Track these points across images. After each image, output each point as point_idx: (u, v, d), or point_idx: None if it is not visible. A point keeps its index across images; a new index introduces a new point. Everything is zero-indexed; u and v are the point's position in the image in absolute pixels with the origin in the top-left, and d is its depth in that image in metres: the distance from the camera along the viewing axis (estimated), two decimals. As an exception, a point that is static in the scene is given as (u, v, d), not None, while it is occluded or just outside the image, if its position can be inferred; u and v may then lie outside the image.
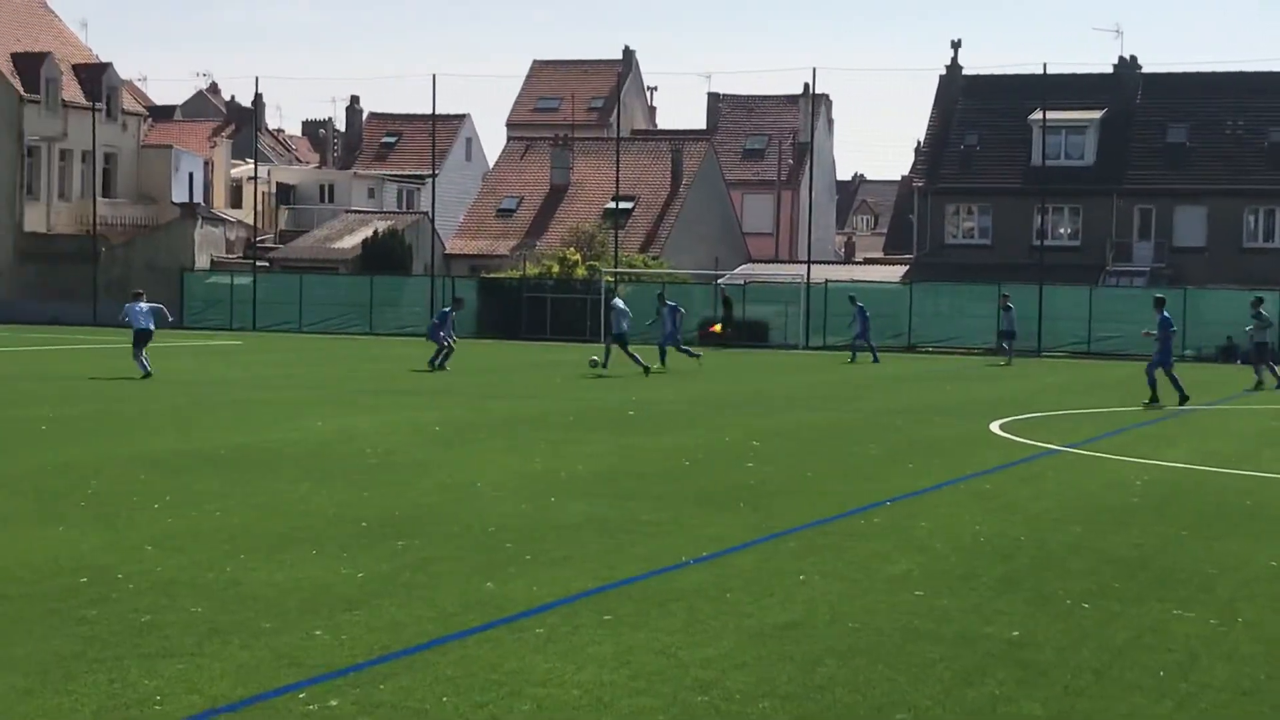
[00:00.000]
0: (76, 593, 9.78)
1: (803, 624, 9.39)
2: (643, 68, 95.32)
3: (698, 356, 38.96)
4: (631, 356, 35.25)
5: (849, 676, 8.21)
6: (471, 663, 8.27)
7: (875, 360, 44.21)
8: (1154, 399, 27.98)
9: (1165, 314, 28.67)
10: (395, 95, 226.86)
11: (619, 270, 60.12)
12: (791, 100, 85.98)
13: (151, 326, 31.75)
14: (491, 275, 62.89)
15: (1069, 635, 9.28)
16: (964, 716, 7.61)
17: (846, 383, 34.84)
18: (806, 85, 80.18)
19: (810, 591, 10.36)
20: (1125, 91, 68.23)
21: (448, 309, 37.26)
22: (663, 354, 37.88)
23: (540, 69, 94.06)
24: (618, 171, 65.40)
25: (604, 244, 64.83)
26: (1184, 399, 27.69)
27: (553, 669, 8.18)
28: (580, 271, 60.81)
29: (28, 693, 7.51)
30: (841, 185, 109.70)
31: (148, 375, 29.97)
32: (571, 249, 63.43)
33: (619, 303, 37.36)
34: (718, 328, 52.28)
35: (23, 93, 67.08)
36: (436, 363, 35.20)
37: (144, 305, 32.07)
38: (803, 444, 20.34)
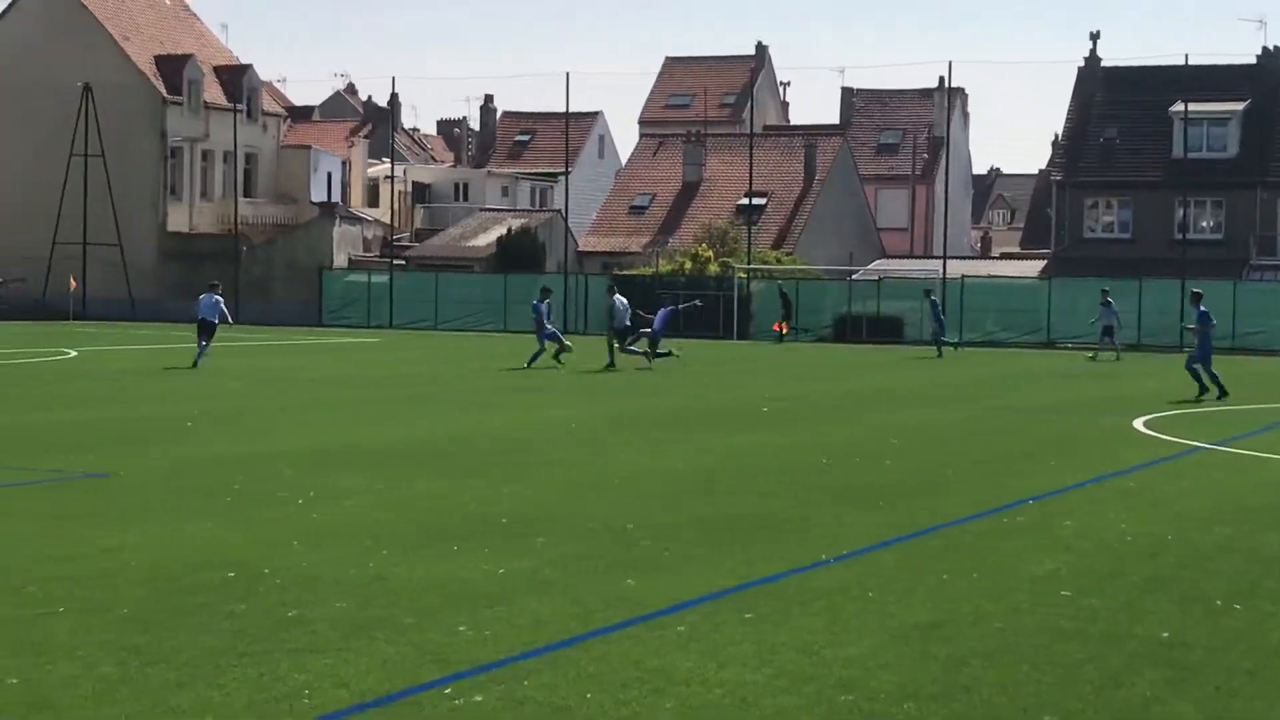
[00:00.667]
0: (225, 587, 9.92)
1: (946, 623, 9.29)
2: (775, 63, 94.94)
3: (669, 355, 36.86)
4: (630, 352, 35.48)
5: (995, 677, 8.10)
6: (613, 659, 8.27)
7: (939, 355, 43.93)
8: (1211, 391, 27.58)
9: (1202, 308, 28.34)
10: (529, 94, 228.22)
11: (752, 267, 60.00)
12: (926, 94, 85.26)
13: (215, 320, 33.27)
14: (623, 272, 63.04)
15: (1220, 636, 9.09)
16: (1114, 718, 7.47)
17: (985, 379, 34.47)
18: (942, 79, 79.47)
19: (953, 590, 10.25)
20: (1268, 83, 66.81)
21: (538, 301, 36.71)
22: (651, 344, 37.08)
23: (673, 66, 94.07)
24: (750, 168, 65.23)
25: (736, 240, 64.69)
26: (1223, 394, 27.34)
27: (695, 667, 8.16)
28: (713, 268, 60.77)
29: (180, 685, 7.62)
30: (977, 179, 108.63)
31: (194, 366, 31.54)
32: (704, 246, 63.37)
33: (620, 300, 36.28)
34: (782, 325, 52.53)
35: (166, 95, 68.34)
36: (536, 360, 34.74)
37: (213, 298, 33.36)
38: (942, 441, 20.14)
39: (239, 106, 70.41)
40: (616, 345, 35.46)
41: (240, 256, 66.03)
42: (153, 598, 9.57)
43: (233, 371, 31.96)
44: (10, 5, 70.55)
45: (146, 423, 20.84)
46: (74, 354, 37.47)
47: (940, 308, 45.43)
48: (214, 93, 71.13)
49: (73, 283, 62.37)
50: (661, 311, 37.51)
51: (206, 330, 33.05)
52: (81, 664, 7.96)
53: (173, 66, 69.44)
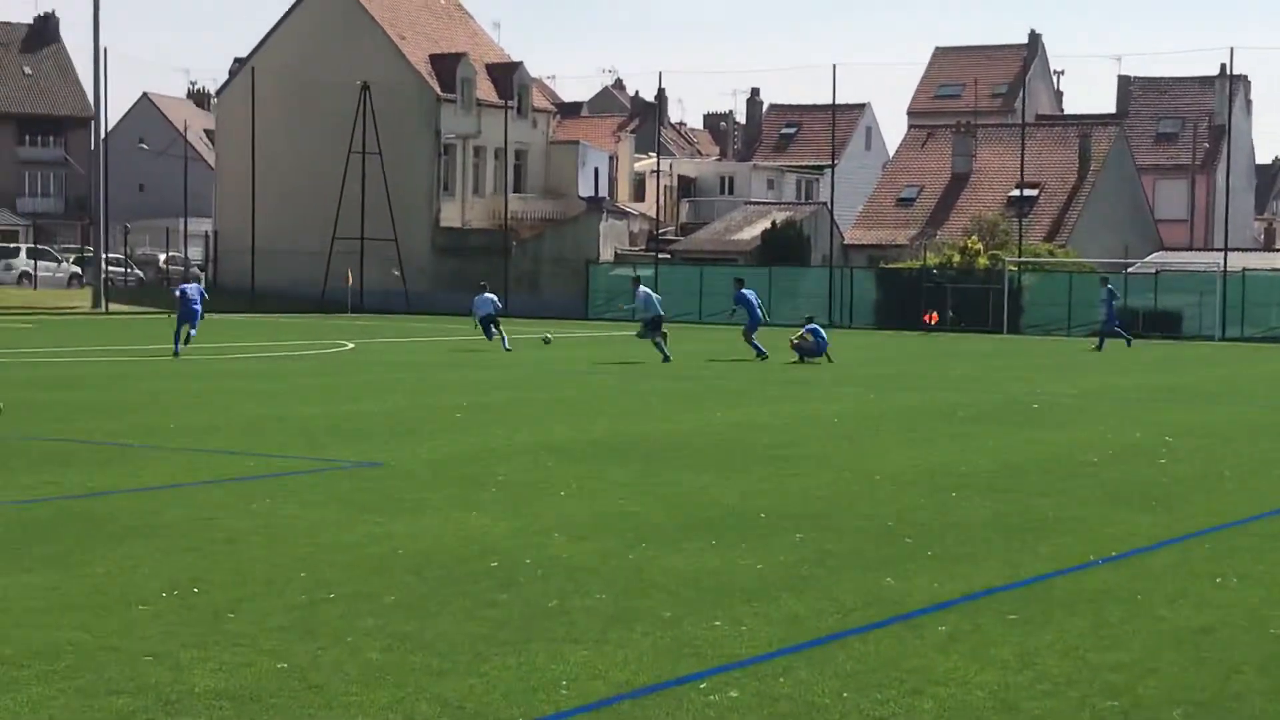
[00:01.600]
0: (488, 576, 10.09)
1: (1219, 629, 8.97)
2: (1049, 51, 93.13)
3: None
4: (658, 345, 33.85)
5: (1269, 686, 7.80)
6: (871, 659, 8.18)
7: (1098, 347, 42.63)
8: None
9: None
10: (795, 86, 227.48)
11: (1023, 260, 58.90)
12: (1207, 82, 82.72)
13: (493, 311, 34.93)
14: (890, 265, 62.47)
15: None
16: (1399, 735, 7.12)
17: (1268, 377, 33.26)
18: (1223, 66, 77.05)
19: (1227, 595, 9.89)
20: None
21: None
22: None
23: (942, 55, 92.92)
24: (1022, 158, 63.99)
25: (1007, 233, 63.55)
26: None
27: (955, 668, 8.02)
28: (982, 261, 59.81)
29: (441, 673, 7.77)
30: (1261, 169, 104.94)
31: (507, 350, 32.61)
32: (973, 238, 62.41)
33: (645, 290, 35.57)
34: (933, 316, 52.03)
35: (440, 93, 69.93)
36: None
37: (486, 295, 34.75)
38: (1219, 441, 19.48)
39: (510, 103, 71.67)
40: (654, 340, 34.25)
41: (510, 251, 67.21)
42: (419, 585, 9.78)
43: (503, 363, 32.53)
44: (293, 6, 72.94)
45: (419, 413, 21.34)
46: (351, 346, 38.58)
47: (1113, 299, 43.71)
48: (486, 90, 72.55)
49: (349, 276, 64.25)
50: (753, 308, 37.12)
51: (491, 323, 36.34)
52: (349, 649, 8.17)
53: (447, 65, 71.02)
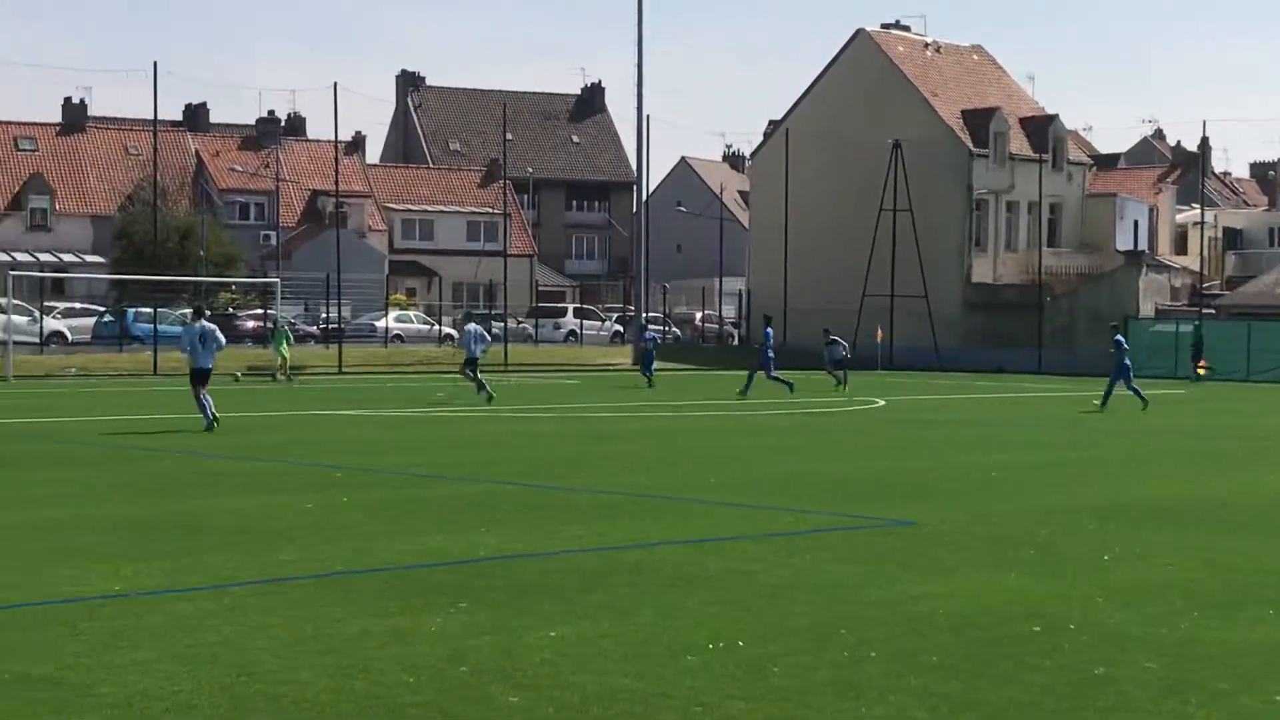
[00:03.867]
0: (1030, 640, 9.87)
1: None
2: None
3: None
4: (475, 380, 35.44)
5: None
6: None
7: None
8: None
9: None
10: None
11: None
12: None
13: (209, 365, 26.83)
14: None
15: None
16: None
17: None
18: None
19: None
20: None
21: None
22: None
23: None
24: None
25: None
26: None
27: None
28: None
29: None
30: None
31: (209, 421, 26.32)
32: None
33: (473, 326, 36.68)
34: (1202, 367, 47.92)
35: (972, 148, 69.58)
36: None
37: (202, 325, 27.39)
38: None
39: (1044, 157, 70.58)
40: (468, 375, 36.30)
41: (1043, 306, 66.03)
42: (961, 646, 9.67)
43: (1034, 420, 31.93)
44: (826, 68, 74.18)
45: (950, 472, 21.17)
46: (881, 403, 38.68)
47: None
48: (1019, 144, 71.73)
49: (879, 333, 64.49)
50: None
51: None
52: (894, 708, 8.14)
53: (979, 120, 70.64)
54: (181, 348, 30.39)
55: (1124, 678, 8.88)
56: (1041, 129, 72.42)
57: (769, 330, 41.60)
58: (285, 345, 47.92)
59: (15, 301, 53.67)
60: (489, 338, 38.50)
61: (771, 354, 40.74)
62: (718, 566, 12.58)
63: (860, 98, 71.68)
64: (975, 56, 77.82)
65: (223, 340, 27.17)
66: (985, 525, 15.41)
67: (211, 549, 13.09)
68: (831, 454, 24.07)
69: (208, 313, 28.33)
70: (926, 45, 75.92)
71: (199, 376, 26.36)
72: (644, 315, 65.48)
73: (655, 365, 47.30)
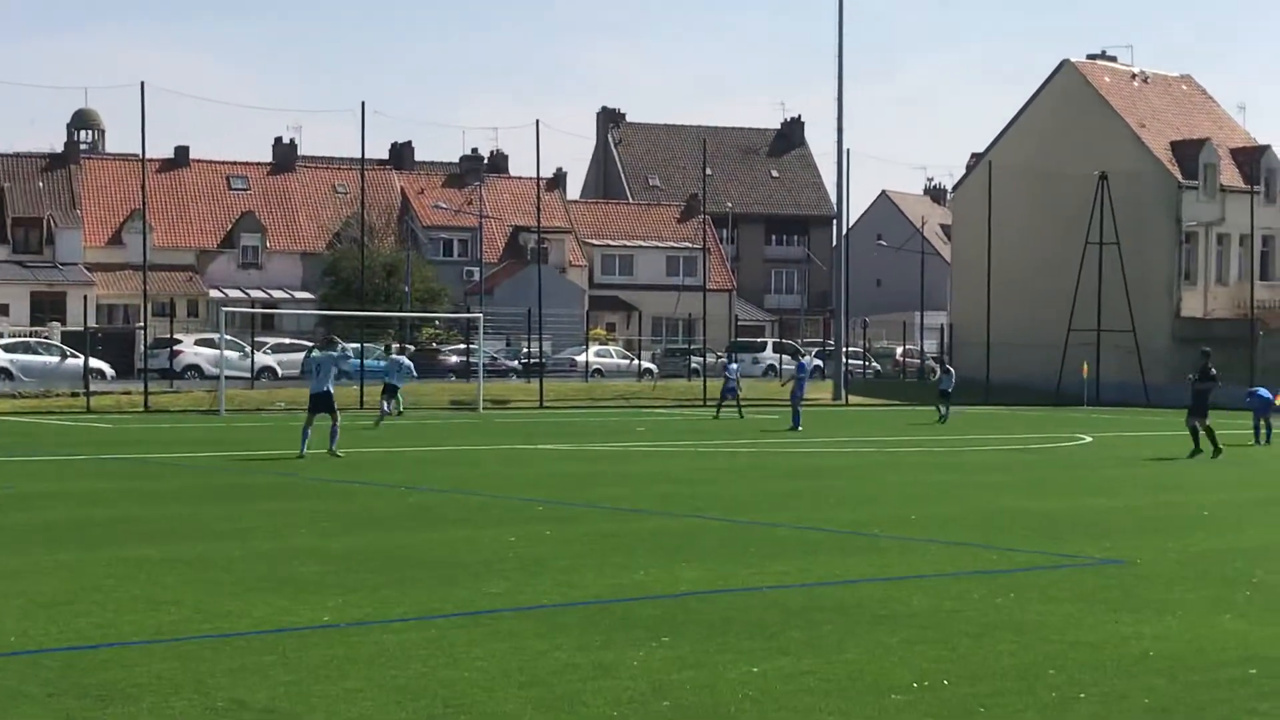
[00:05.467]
0: (1246, 684, 9.60)
1: None
2: None
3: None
4: (382, 409, 36.83)
5: None
6: None
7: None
8: None
9: None
10: None
11: None
12: None
13: (327, 388, 27.70)
14: None
15: None
16: None
17: None
18: None
19: None
20: None
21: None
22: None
23: None
24: None
25: None
26: None
27: None
28: None
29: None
30: None
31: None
32: None
33: (401, 359, 39.26)
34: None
35: (1181, 179, 68.14)
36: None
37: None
38: None
39: (1256, 188, 68.84)
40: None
41: (1256, 340, 64.29)
42: (1173, 689, 9.43)
43: (1250, 459, 31.11)
44: (1030, 100, 73.26)
45: (1162, 510, 20.70)
46: (1088, 439, 37.96)
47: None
48: (1230, 175, 70.08)
49: (1085, 368, 63.31)
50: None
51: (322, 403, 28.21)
52: (1103, 752, 7.97)
53: (1188, 151, 69.17)
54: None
55: (1347, 725, 8.59)
56: (1253, 160, 70.64)
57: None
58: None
59: (227, 337, 55.13)
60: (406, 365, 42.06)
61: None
62: (922, 604, 12.44)
63: (1066, 129, 70.64)
64: (1184, 86, 76.23)
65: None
66: (1198, 565, 15.02)
67: (417, 581, 13.29)
68: (1037, 491, 23.68)
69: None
70: (1134, 75, 74.58)
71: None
72: (843, 349, 65.09)
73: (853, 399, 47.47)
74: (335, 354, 28.54)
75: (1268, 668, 10.08)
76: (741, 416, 45.18)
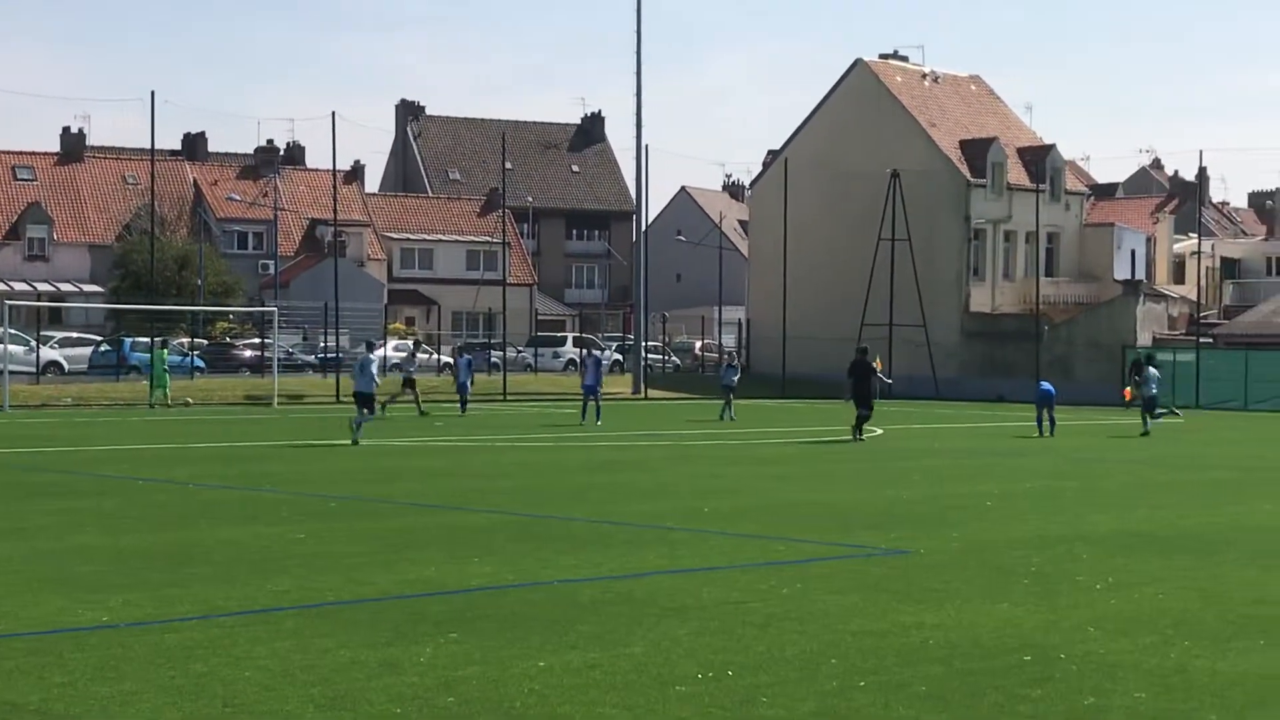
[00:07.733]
0: (1020, 670, 9.86)
1: None
2: None
3: None
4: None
5: None
6: None
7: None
8: None
9: None
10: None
11: None
12: None
13: (370, 389, 32.58)
14: None
15: None
16: None
17: None
18: None
19: None
20: None
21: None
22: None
23: None
24: None
25: None
26: None
27: None
28: None
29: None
30: None
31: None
32: None
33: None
34: (1128, 392, 46.42)
35: (970, 178, 69.69)
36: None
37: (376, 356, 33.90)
38: None
39: (1041, 187, 70.70)
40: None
41: (1042, 335, 66.07)
42: (951, 677, 9.65)
43: (1031, 450, 31.94)
44: (824, 99, 74.32)
45: (948, 501, 21.16)
46: (880, 432, 38.67)
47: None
48: (1017, 174, 71.84)
49: (879, 362, 64.38)
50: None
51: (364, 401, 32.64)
52: (879, 739, 8.13)
53: (977, 150, 70.76)
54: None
55: (1114, 707, 8.87)
56: (1039, 159, 72.51)
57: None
58: (165, 372, 47.58)
59: (11, 330, 53.61)
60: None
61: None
62: (710, 596, 12.56)
63: (858, 128, 71.80)
64: (973, 86, 77.96)
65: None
66: (979, 555, 15.39)
67: (201, 579, 13.07)
68: (826, 483, 24.05)
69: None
70: (925, 75, 76.06)
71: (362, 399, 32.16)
72: (643, 343, 65.39)
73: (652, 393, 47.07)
74: (374, 357, 34.05)
75: (1041, 654, 10.36)
76: (732, 418, 43.93)
